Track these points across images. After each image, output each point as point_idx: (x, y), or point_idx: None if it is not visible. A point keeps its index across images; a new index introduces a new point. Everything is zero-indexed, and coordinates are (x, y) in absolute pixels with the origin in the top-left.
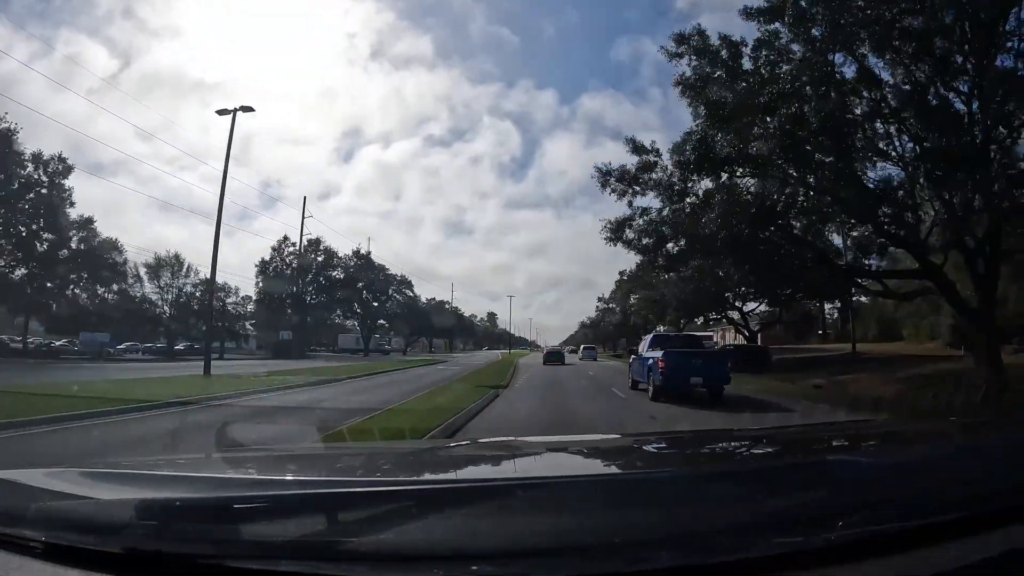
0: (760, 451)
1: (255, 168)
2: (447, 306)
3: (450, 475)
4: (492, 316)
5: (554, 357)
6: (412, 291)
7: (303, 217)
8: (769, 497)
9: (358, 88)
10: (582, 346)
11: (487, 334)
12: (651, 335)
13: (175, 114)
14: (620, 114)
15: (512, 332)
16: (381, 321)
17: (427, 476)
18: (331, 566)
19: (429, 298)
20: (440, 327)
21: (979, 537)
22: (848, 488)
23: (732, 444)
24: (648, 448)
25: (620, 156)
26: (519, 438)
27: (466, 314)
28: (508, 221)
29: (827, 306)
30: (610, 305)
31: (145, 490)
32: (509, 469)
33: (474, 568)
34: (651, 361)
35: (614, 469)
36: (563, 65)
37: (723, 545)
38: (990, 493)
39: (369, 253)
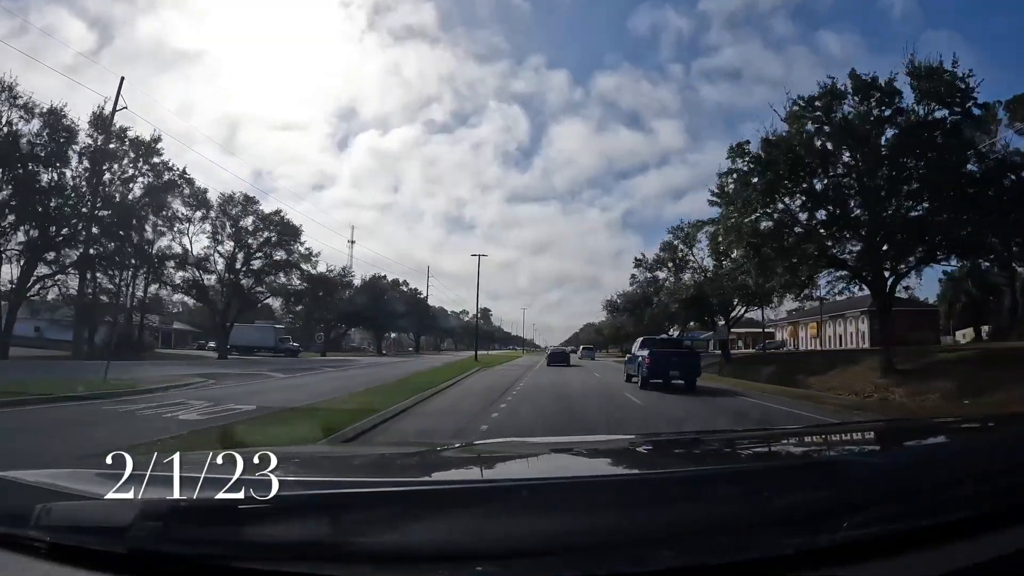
0: (764, 451)
1: (241, 156)
2: (403, 287)
3: (453, 476)
4: (485, 312)
5: (558, 358)
6: (301, 246)
7: (115, 108)
8: (773, 497)
9: (354, 65)
10: (581, 347)
11: (468, 330)
12: (641, 339)
13: (154, 87)
14: (636, 96)
15: (507, 330)
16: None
17: (431, 477)
18: (335, 567)
19: (378, 275)
20: (392, 317)
21: (988, 536)
22: (853, 487)
23: (735, 444)
24: (651, 448)
25: (632, 145)
26: (522, 439)
27: (455, 309)
28: (511, 216)
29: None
30: (656, 274)
31: (151, 490)
32: (512, 470)
33: (478, 568)
34: (640, 358)
35: (617, 469)
36: (577, 37)
37: (727, 545)
38: (998, 491)
39: (183, 171)
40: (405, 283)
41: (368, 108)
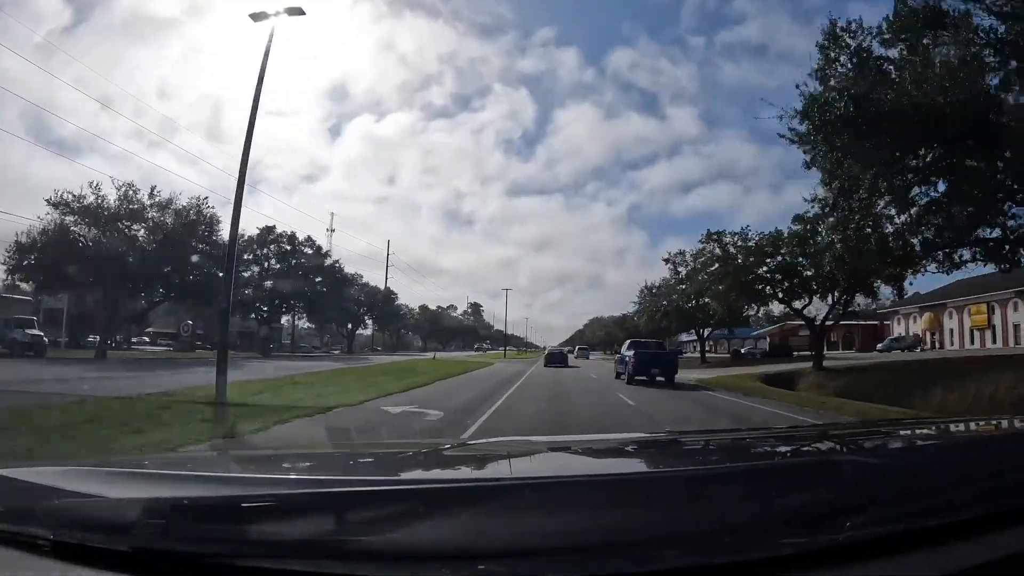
0: (766, 451)
1: (221, 145)
2: (304, 248)
3: (456, 475)
4: (476, 307)
5: (556, 359)
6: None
7: None
8: (775, 497)
9: (346, 40)
10: (577, 347)
11: (456, 328)
12: (628, 340)
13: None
14: (653, 76)
15: (501, 328)
16: None
17: (433, 476)
18: (338, 565)
19: (260, 225)
20: (278, 295)
21: (988, 538)
22: (855, 488)
23: (738, 443)
24: (654, 447)
25: (643, 132)
26: (525, 438)
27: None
28: (512, 210)
29: None
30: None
31: (153, 489)
32: (515, 469)
33: (481, 567)
34: (627, 357)
35: (620, 469)
36: (590, 5)
37: (729, 545)
38: (1000, 492)
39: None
40: (309, 241)
41: (361, 90)
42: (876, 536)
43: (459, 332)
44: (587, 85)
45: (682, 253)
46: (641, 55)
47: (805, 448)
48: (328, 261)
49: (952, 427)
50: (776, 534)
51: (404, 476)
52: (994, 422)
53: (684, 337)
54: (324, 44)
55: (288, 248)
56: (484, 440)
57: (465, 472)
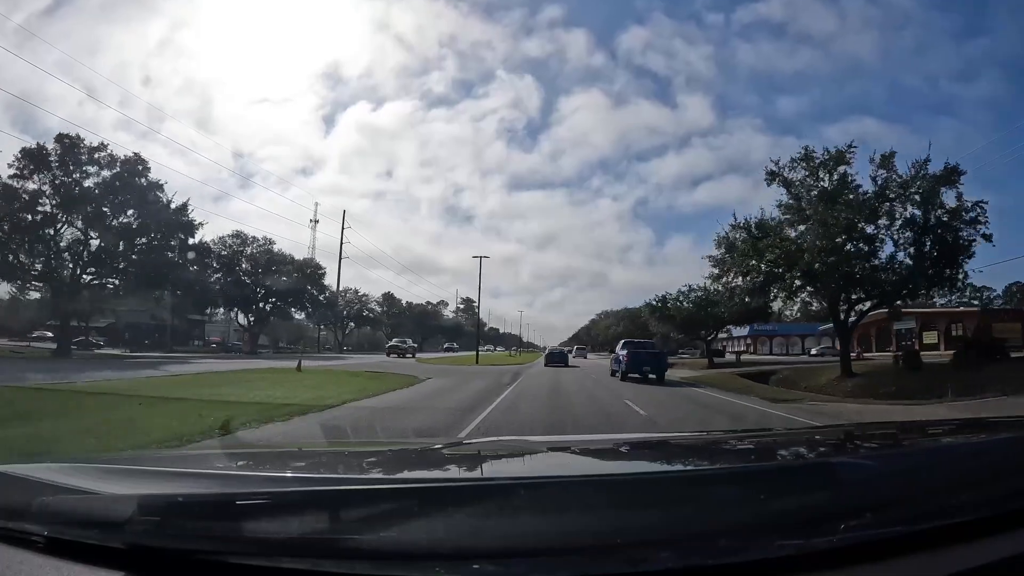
0: (762, 452)
1: (207, 135)
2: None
3: (452, 474)
4: (468, 302)
5: (556, 359)
6: None
7: None
8: (771, 499)
9: (338, 20)
10: (575, 347)
11: (440, 325)
12: (622, 340)
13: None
14: (664, 59)
15: (499, 327)
16: None
17: (429, 475)
18: (333, 563)
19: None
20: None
21: (984, 541)
22: (851, 490)
23: (734, 445)
24: (650, 449)
25: (656, 120)
26: (521, 438)
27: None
28: (513, 205)
29: None
30: None
31: (148, 485)
32: (510, 468)
33: (475, 567)
34: (621, 356)
35: (616, 469)
36: None
37: (725, 546)
38: (996, 496)
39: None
40: (141, 168)
41: (356, 76)
42: (872, 539)
43: (441, 329)
44: (595, 70)
45: (797, 161)
46: (654, 34)
47: (801, 450)
48: (171, 203)
49: (949, 430)
50: (772, 536)
51: (400, 475)
52: (991, 424)
53: (732, 331)
54: (320, 28)
55: (116, 183)
56: (480, 439)
57: (461, 471)
